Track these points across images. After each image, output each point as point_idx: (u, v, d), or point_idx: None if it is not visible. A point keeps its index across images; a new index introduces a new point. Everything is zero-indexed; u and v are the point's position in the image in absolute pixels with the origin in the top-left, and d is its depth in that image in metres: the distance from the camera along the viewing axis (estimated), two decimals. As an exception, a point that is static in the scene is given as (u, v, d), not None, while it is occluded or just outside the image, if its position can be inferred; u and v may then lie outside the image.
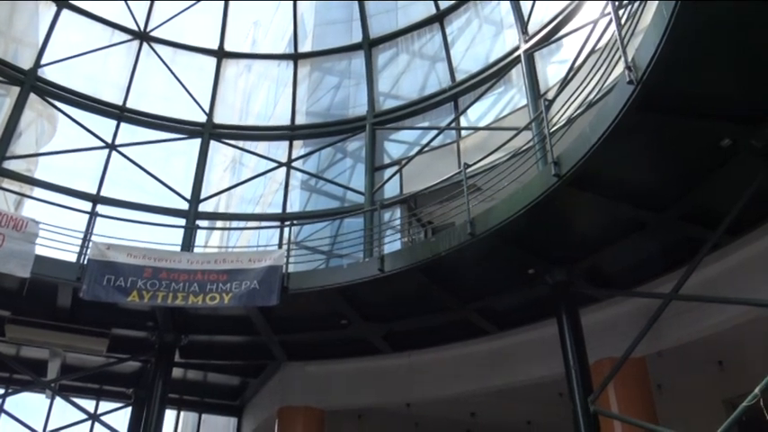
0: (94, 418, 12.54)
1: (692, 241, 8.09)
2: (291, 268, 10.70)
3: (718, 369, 11.63)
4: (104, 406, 14.09)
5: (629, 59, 6.23)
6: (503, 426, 15.39)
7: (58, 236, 10.26)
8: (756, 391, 5.93)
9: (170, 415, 14.60)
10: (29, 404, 13.39)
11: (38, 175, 13.02)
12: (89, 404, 13.74)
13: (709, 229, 7.65)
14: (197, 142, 14.46)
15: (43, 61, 13.61)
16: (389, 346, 11.47)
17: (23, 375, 11.64)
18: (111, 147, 13.63)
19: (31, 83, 13.17)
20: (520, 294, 9.73)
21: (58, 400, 13.15)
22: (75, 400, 12.19)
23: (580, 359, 8.51)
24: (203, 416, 15.50)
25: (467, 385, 11.64)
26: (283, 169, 14.60)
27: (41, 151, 14.69)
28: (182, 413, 15.27)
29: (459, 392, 11.91)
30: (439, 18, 14.65)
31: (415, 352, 11.74)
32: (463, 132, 13.35)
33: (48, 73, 13.79)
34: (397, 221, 13.10)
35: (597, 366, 9.10)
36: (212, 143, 14.56)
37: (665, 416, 9.73)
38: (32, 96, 13.30)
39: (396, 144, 14.75)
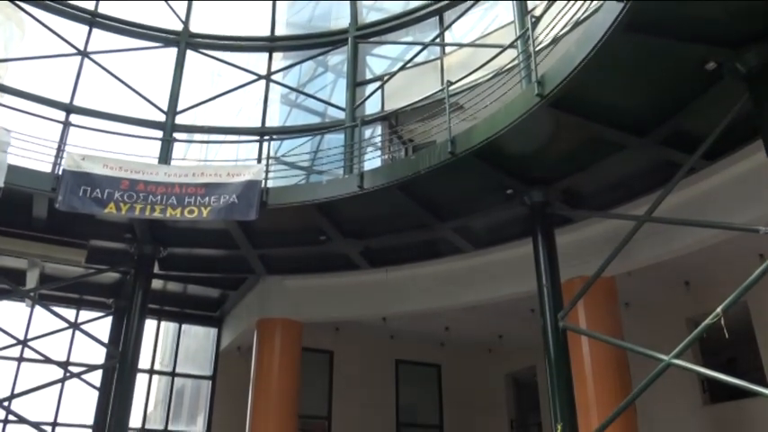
0: (75, 326, 12.74)
1: (669, 165, 8.17)
2: (270, 183, 10.65)
3: (684, 289, 12.06)
4: (85, 315, 14.29)
5: (620, -24, 6.05)
6: (476, 339, 15.98)
7: (30, 145, 10.04)
8: (719, 310, 6.18)
9: (151, 324, 14.87)
10: (9, 313, 13.52)
11: (7, 82, 12.57)
12: (69, 313, 13.92)
13: (686, 154, 7.72)
14: (173, 52, 13.99)
15: (8, -40, 12.88)
16: (367, 261, 11.64)
17: (2, 285, 11.68)
18: (84, 54, 13.14)
19: (-5, -17, 12.51)
20: (497, 214, 9.85)
21: (38, 309, 13.29)
22: (56, 309, 12.32)
23: (552, 277, 8.74)
24: (183, 326, 15.81)
25: (442, 301, 11.95)
26: (263, 83, 14.26)
27: (10, 57, 14.13)
28: (162, 323, 15.54)
29: (434, 307, 12.24)
30: (426, -74, 13.99)
31: (393, 268, 11.94)
32: (447, 49, 13.07)
33: (13, -27, 13.06)
34: (378, 138, 13.00)
35: (568, 285, 9.37)
36: (189, 53, 14.10)
37: (630, 333, 10.15)
38: (-2, -3, 12.68)
39: (378, 59, 14.43)
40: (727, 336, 6.14)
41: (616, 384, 9.43)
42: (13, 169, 9.48)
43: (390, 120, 12.91)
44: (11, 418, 12.02)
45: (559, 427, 7.87)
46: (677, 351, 6.77)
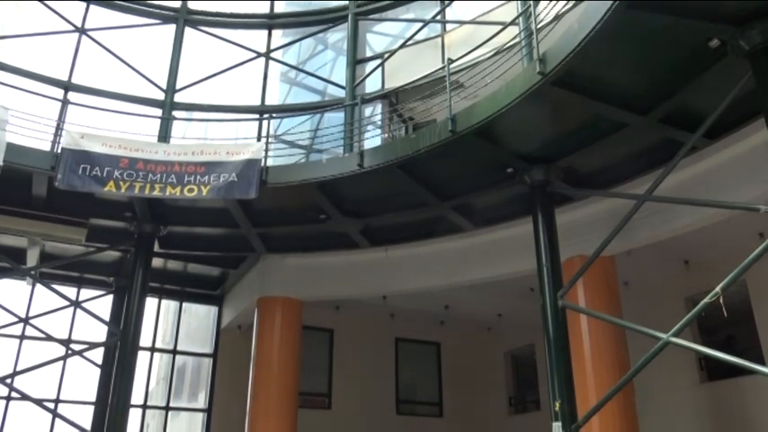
0: (76, 304, 12.79)
1: (670, 143, 8.14)
2: (270, 162, 10.63)
3: (683, 268, 12.10)
4: (86, 293, 14.33)
5: (623, -49, 5.97)
6: (475, 318, 16.06)
7: (29, 123, 9.99)
8: (718, 289, 6.19)
9: (151, 303, 14.93)
10: (10, 291, 13.57)
11: (3, 59, 12.45)
12: (70, 292, 13.96)
13: (688, 132, 7.70)
14: (172, 29, 13.86)
15: (3, -66, 12.68)
16: (367, 240, 11.65)
17: (3, 263, 11.70)
18: (81, 31, 13.02)
19: (-10, -42, 12.34)
20: (497, 193, 9.84)
21: (39, 287, 13.33)
22: (57, 287, 12.35)
23: (552, 256, 8.75)
24: (184, 304, 15.88)
25: (441, 279, 11.98)
26: (262, 61, 14.15)
27: (6, 34, 13.99)
28: (163, 301, 15.61)
29: (433, 286, 12.27)
30: None
31: (393, 247, 11.96)
32: (448, 26, 12.94)
33: (8, -52, 12.88)
34: (378, 117, 12.93)
35: (568, 264, 9.39)
36: (188, 31, 13.96)
37: (629, 311, 10.18)
38: (-7, -27, 12.50)
39: (379, 36, 14.30)
40: (725, 314, 6.16)
41: (614, 362, 9.49)
42: (11, 148, 9.44)
43: (391, 98, 12.83)
44: (14, 395, 12.14)
45: (558, 404, 7.94)
46: (676, 329, 6.80)
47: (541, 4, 8.56)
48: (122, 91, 12.93)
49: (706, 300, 6.31)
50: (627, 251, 10.09)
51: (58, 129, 10.31)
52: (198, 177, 9.91)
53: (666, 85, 7.42)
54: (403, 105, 12.24)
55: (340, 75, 13.67)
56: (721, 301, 6.15)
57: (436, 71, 11.70)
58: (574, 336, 8.94)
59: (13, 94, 10.97)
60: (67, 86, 12.38)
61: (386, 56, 13.25)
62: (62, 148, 9.79)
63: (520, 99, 7.66)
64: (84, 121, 10.70)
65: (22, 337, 13.39)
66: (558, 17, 8.13)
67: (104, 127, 10.57)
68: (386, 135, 12.26)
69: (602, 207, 9.80)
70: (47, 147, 10.12)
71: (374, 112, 13.09)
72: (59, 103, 10.98)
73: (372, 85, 13.26)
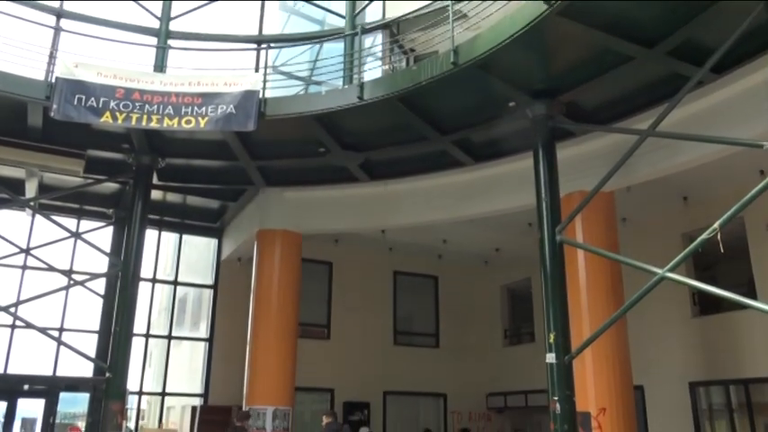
0: (76, 236, 12.86)
1: (675, 78, 8.00)
2: (269, 93, 10.46)
3: (682, 204, 12.13)
4: (86, 225, 14.40)
5: None
6: (473, 252, 16.22)
7: (21, 52, 9.74)
8: (716, 225, 6.21)
9: (152, 235, 15.01)
10: (10, 222, 13.61)
11: (-7, -16, 12.05)
12: (71, 223, 14.01)
13: (695, 66, 7.55)
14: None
15: None
16: (366, 174, 11.62)
17: (2, 194, 11.69)
18: (71, -46, 12.56)
19: None
20: (498, 127, 9.73)
21: (39, 219, 13.37)
22: (57, 218, 12.38)
23: (552, 191, 8.74)
24: (184, 236, 15.98)
25: (440, 214, 12.02)
26: (259, -12, 13.71)
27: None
28: (163, 233, 15.70)
29: (432, 220, 12.33)
30: None
31: (392, 181, 11.95)
32: (452, -48, 12.48)
33: None
34: (379, 48, 12.65)
35: (567, 199, 9.39)
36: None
37: (626, 247, 10.26)
38: None
39: (380, -37, 13.82)
40: (722, 250, 6.19)
41: (609, 297, 9.63)
42: (3, 76, 9.28)
43: (392, 28, 12.51)
44: (18, 323, 12.36)
45: (552, 336, 8.10)
46: (672, 265, 6.87)
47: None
48: (116, 18, 12.58)
49: (704, 236, 6.34)
50: (626, 187, 10.08)
51: (52, 57, 10.08)
52: (195, 109, 9.77)
53: (675, 16, 7.21)
54: (404, 36, 11.95)
55: (340, 3, 13.29)
56: (719, 237, 6.18)
57: (439, 0, 11.36)
58: (570, 270, 9.02)
59: (4, 21, 10.67)
60: (60, 13, 12.03)
61: (387, -16, 12.85)
62: (56, 78, 9.60)
63: (525, 30, 7.46)
64: (77, 49, 10.46)
65: (24, 267, 13.55)
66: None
67: (98, 56, 10.33)
68: (386, 67, 12.03)
69: (604, 143, 9.72)
70: (41, 76, 9.93)
71: (375, 42, 12.80)
72: (52, 31, 10.70)
73: (373, 14, 12.91)
